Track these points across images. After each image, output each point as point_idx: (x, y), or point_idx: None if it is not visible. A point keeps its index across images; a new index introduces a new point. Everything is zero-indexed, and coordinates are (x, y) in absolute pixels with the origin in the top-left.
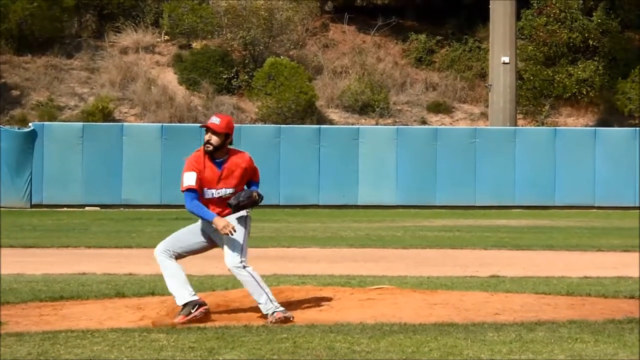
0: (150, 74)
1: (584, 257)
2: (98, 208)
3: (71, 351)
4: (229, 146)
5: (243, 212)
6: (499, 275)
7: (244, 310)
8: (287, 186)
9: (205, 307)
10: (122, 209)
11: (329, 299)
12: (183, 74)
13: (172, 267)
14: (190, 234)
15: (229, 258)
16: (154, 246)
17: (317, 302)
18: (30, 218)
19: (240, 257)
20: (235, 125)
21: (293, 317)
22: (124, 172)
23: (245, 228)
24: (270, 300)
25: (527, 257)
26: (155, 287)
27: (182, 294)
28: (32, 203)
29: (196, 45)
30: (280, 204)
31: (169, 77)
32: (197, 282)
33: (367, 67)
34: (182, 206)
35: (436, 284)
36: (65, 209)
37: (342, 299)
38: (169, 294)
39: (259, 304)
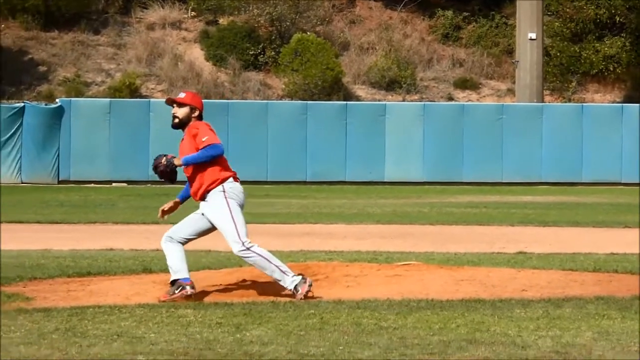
0: (177, 50)
1: (610, 233)
2: (125, 184)
3: (99, 327)
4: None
5: (217, 190)
6: (526, 252)
7: (271, 286)
8: (314, 163)
9: (190, 291)
10: (149, 184)
11: (355, 275)
12: (210, 50)
13: (172, 247)
14: (194, 215)
15: (232, 246)
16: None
17: (344, 278)
18: (58, 194)
19: (241, 240)
20: (262, 101)
21: (312, 283)
22: (150, 148)
23: (228, 207)
24: (285, 273)
25: (554, 233)
26: None
27: (177, 270)
28: (60, 179)
29: (223, 21)
30: (307, 181)
31: (196, 54)
32: (224, 259)
33: (394, 44)
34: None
35: (463, 260)
36: (92, 185)
37: (368, 275)
38: (196, 270)
39: (276, 280)
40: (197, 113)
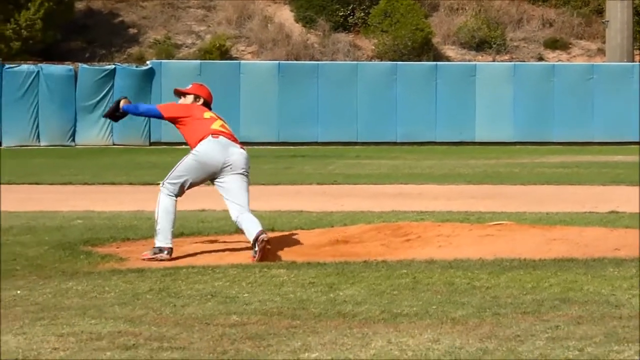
0: (267, 12)
1: None
2: None
3: (192, 287)
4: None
5: None
6: (618, 211)
7: (363, 246)
8: (404, 123)
9: (265, 237)
10: None
11: (447, 235)
12: (299, 12)
13: (244, 218)
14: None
15: None
16: (272, 183)
17: (436, 238)
18: (150, 155)
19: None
20: (351, 62)
21: (167, 254)
22: (241, 109)
23: (184, 159)
24: (158, 233)
25: None
26: (274, 223)
27: (249, 231)
28: (151, 141)
29: None
30: (397, 141)
31: (285, 15)
32: (316, 219)
33: (483, 4)
34: (299, 143)
35: (555, 219)
36: (183, 146)
37: (460, 235)
38: (288, 230)
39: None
40: (201, 101)
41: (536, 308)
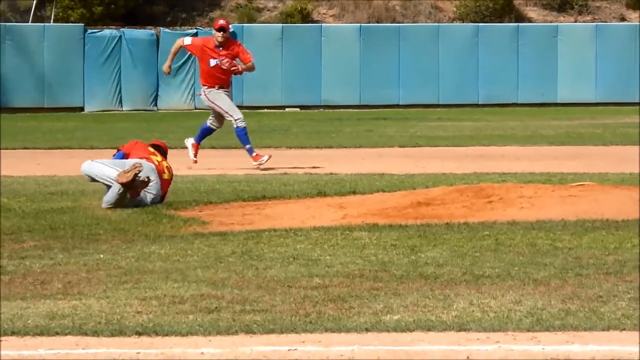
0: None
1: None
2: (298, 109)
3: (275, 250)
4: None
5: None
6: None
7: (445, 208)
8: (486, 85)
9: None
10: (321, 109)
11: (530, 197)
12: None
13: None
14: None
15: None
16: (354, 146)
17: (518, 199)
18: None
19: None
20: (433, 24)
21: None
22: (323, 73)
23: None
24: None
25: None
26: (356, 186)
27: None
28: None
29: None
30: (479, 103)
31: None
32: (398, 181)
33: None
34: (381, 106)
35: (638, 180)
36: (265, 110)
37: (543, 196)
38: (370, 193)
39: None
40: None
41: (619, 269)
